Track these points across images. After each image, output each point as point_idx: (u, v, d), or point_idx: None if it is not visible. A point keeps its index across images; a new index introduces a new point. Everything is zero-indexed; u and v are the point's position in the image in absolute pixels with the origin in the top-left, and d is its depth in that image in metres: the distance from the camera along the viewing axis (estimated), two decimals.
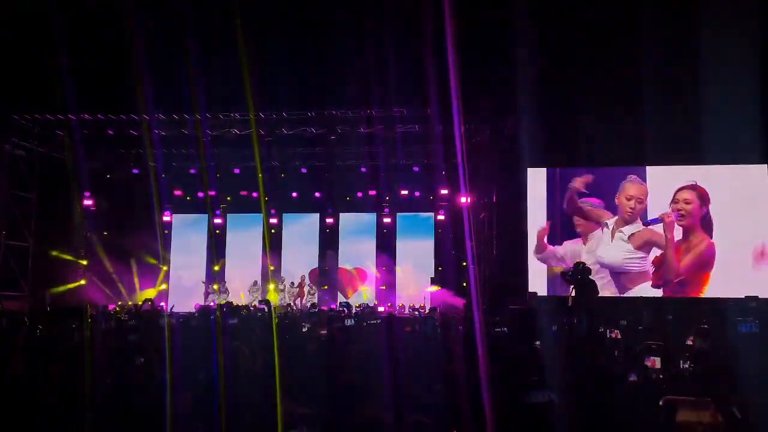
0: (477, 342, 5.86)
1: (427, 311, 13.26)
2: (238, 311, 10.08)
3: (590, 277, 11.85)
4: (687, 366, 5.97)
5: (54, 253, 16.79)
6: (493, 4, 13.08)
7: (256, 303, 16.71)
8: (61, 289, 16.72)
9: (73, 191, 17.35)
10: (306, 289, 18.15)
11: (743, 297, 12.33)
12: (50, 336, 7.35)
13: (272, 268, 18.14)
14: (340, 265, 18.29)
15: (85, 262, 17.81)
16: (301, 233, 18.67)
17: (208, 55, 13.03)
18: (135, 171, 17.27)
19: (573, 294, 11.84)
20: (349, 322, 8.36)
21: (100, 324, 10.40)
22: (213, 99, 14.08)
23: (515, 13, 13.08)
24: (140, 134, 15.62)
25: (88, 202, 17.53)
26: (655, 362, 5.62)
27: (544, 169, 15.44)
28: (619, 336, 8.19)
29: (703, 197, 14.71)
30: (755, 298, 12.09)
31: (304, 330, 9.45)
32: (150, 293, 17.31)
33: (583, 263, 12.07)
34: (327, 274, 18.20)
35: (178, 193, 18.19)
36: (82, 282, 17.62)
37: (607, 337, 8.26)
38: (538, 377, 4.12)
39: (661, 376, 5.48)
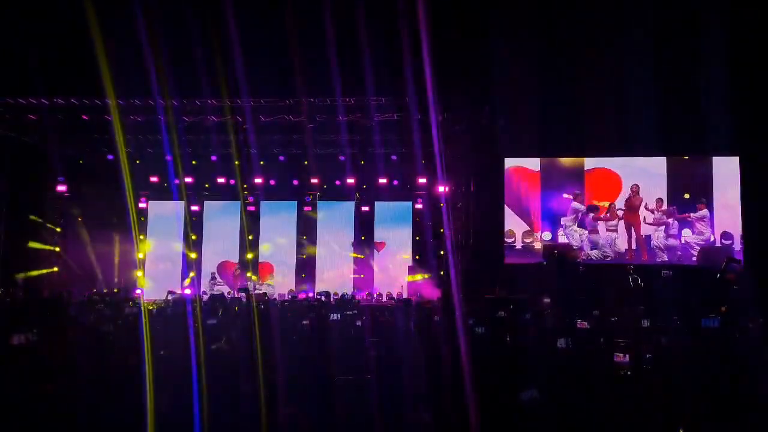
0: (458, 337, 6.01)
1: (402, 300, 13.40)
2: (221, 302, 10.07)
3: (577, 259, 11.95)
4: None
5: (32, 244, 16.61)
6: None
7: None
8: (33, 274, 16.50)
9: (46, 177, 17.10)
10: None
11: None
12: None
13: (251, 256, 18.08)
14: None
15: (57, 249, 17.56)
16: (281, 221, 18.62)
17: (184, 40, 12.90)
18: (110, 157, 16.97)
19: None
20: (334, 317, 8.43)
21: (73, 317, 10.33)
22: (189, 85, 13.92)
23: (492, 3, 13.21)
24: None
25: (61, 188, 17.25)
26: (624, 358, 5.81)
27: (523, 159, 15.66)
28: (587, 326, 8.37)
29: None
30: None
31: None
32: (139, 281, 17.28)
33: (570, 245, 12.24)
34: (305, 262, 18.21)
35: (154, 179, 17.96)
36: (55, 269, 17.39)
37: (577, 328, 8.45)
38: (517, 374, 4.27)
39: (629, 373, 5.69)
